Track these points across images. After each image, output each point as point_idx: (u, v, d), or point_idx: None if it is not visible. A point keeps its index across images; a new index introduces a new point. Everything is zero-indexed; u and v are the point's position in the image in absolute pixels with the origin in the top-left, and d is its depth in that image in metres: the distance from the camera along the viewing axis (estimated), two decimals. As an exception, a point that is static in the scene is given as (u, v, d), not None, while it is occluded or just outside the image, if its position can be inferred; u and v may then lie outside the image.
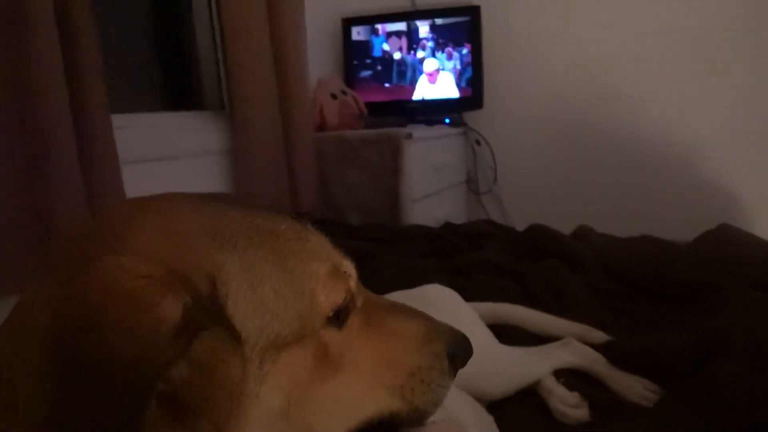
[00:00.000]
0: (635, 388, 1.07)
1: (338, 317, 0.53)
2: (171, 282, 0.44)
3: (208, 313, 0.45)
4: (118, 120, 1.57)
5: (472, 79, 2.90)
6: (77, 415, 0.39)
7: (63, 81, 1.33)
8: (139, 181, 1.70)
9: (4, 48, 1.25)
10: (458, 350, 0.60)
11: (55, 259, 0.50)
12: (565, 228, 1.84)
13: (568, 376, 1.12)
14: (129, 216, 0.50)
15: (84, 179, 1.39)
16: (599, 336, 1.21)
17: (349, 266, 0.56)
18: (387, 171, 2.33)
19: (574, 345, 1.17)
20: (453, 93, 2.93)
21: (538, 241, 1.73)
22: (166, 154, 1.88)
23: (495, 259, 1.65)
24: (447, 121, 2.95)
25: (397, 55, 2.98)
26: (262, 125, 2.10)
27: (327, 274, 0.52)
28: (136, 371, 0.39)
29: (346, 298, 0.53)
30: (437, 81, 2.94)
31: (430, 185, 2.57)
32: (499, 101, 3.03)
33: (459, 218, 2.63)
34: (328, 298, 0.51)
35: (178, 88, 2.45)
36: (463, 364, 0.61)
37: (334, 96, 2.69)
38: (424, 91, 2.96)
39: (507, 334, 1.20)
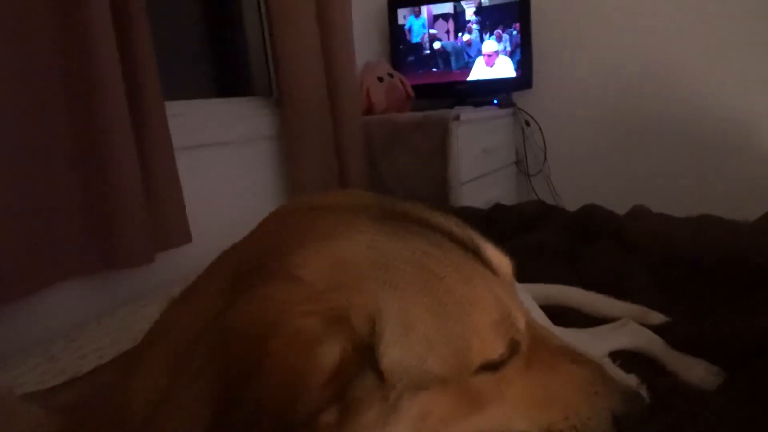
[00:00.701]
0: (696, 370, 1.03)
1: (492, 367, 0.50)
2: (334, 322, 0.43)
3: (363, 358, 0.45)
4: (170, 107, 1.61)
5: (522, 59, 2.84)
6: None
7: (119, 72, 1.37)
8: (192, 167, 1.74)
9: (63, 42, 1.29)
10: (627, 412, 0.54)
11: (224, 263, 0.53)
12: (619, 208, 1.79)
13: (625, 359, 1.09)
14: (307, 232, 0.50)
15: (141, 166, 1.43)
16: (658, 317, 1.17)
17: (518, 317, 0.52)
18: (435, 153, 2.31)
19: (631, 326, 1.14)
20: (510, 73, 2.87)
21: (592, 222, 1.69)
22: (217, 140, 1.92)
23: (548, 240, 1.63)
24: (495, 102, 2.91)
25: (441, 40, 2.94)
26: (309, 110, 2.11)
27: (487, 326, 0.49)
28: (291, 413, 0.40)
29: (504, 353, 0.51)
30: (495, 64, 2.89)
31: (479, 167, 2.54)
32: (548, 81, 2.97)
33: (509, 200, 2.59)
34: (483, 352, 0.49)
35: (227, 75, 2.48)
36: (629, 429, 0.54)
37: (380, 79, 2.68)
38: (480, 73, 2.92)
39: (561, 316, 1.18)
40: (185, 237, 1.59)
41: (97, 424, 0.50)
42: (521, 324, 0.52)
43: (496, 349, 0.50)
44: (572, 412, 0.53)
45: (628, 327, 1.14)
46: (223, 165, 1.94)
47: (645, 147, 2.89)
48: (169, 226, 1.53)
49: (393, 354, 0.46)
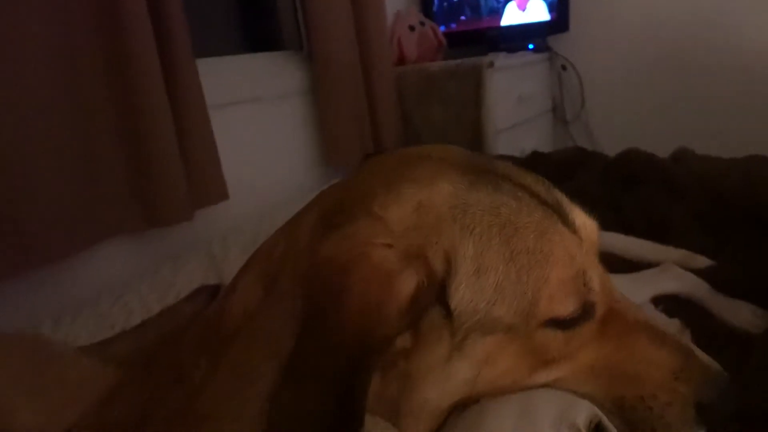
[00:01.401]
0: (742, 313, 1.01)
1: (562, 325, 0.51)
2: (411, 257, 0.47)
3: (436, 293, 0.48)
4: (201, 65, 1.60)
5: (557, 1, 2.74)
6: (315, 366, 0.43)
7: (150, 31, 1.36)
8: (226, 124, 1.74)
9: (95, 5, 1.29)
10: (714, 401, 0.51)
11: (318, 202, 0.57)
12: (662, 153, 1.73)
13: (668, 303, 1.07)
14: (394, 178, 0.53)
15: (175, 125, 1.44)
16: (702, 261, 1.15)
17: (593, 279, 0.52)
18: (469, 102, 2.27)
19: (674, 270, 1.11)
20: (544, 16, 2.78)
21: (633, 167, 1.65)
22: (248, 97, 1.91)
23: (587, 187, 1.59)
24: (531, 46, 2.82)
25: (475, -19, 2.85)
26: (340, 62, 2.08)
27: (559, 282, 0.50)
28: (370, 337, 0.43)
29: (575, 312, 0.51)
30: (527, 8, 2.79)
31: (514, 115, 2.49)
32: (585, 23, 2.86)
33: (546, 148, 2.54)
34: (552, 307, 0.50)
35: (257, 30, 2.46)
36: (716, 420, 0.52)
37: (412, 28, 2.62)
38: (512, 18, 2.82)
39: (603, 261, 1.16)
40: (222, 194, 1.60)
41: (191, 335, 0.55)
42: (596, 286, 0.52)
43: (566, 307, 0.50)
44: (649, 393, 0.52)
45: (671, 271, 1.12)
46: (256, 122, 1.94)
47: (688, 88, 2.77)
48: (206, 184, 1.55)
49: (464, 294, 0.49)
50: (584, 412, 0.47)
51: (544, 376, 0.52)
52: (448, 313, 0.49)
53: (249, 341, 0.49)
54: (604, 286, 0.53)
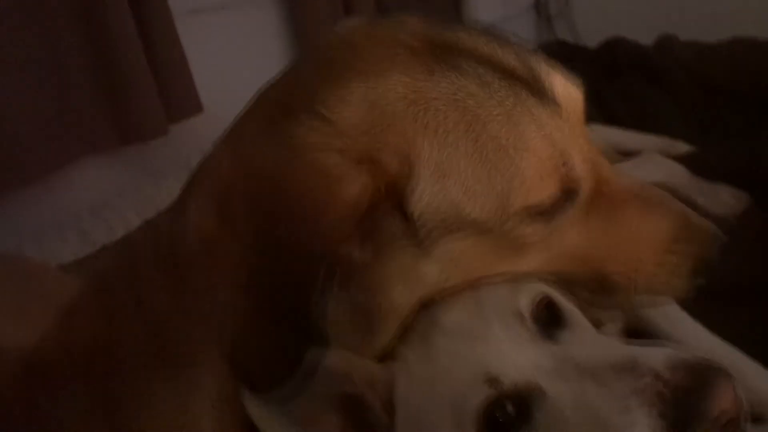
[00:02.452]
0: (720, 197, 1.02)
1: (541, 212, 0.47)
2: (363, 161, 0.43)
3: (393, 198, 0.45)
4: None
5: None
6: (270, 281, 0.42)
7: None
8: (194, 34, 1.67)
9: None
10: (711, 262, 0.51)
11: (258, 101, 0.52)
12: (648, 41, 1.69)
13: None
14: (342, 71, 0.47)
15: (140, 34, 1.38)
16: (682, 147, 1.14)
17: (575, 162, 0.47)
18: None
19: (655, 159, 1.11)
20: None
21: (616, 56, 1.61)
22: (219, 3, 1.83)
23: (569, 79, 1.56)
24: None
25: None
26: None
27: (535, 172, 0.46)
28: (323, 248, 0.41)
29: (553, 200, 0.47)
30: None
31: (492, 11, 2.41)
32: None
33: (528, 45, 2.47)
34: (528, 199, 0.46)
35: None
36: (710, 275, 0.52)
37: None
38: None
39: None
40: (196, 106, 1.56)
41: (146, 261, 0.52)
42: (577, 167, 0.48)
43: (541, 193, 0.46)
44: (633, 267, 0.50)
45: (652, 160, 1.12)
46: (228, 30, 1.86)
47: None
48: (178, 96, 1.50)
49: (428, 199, 0.45)
50: (530, 293, 0.46)
51: (522, 265, 0.49)
52: (409, 219, 0.45)
53: (206, 269, 0.47)
54: (589, 163, 0.49)
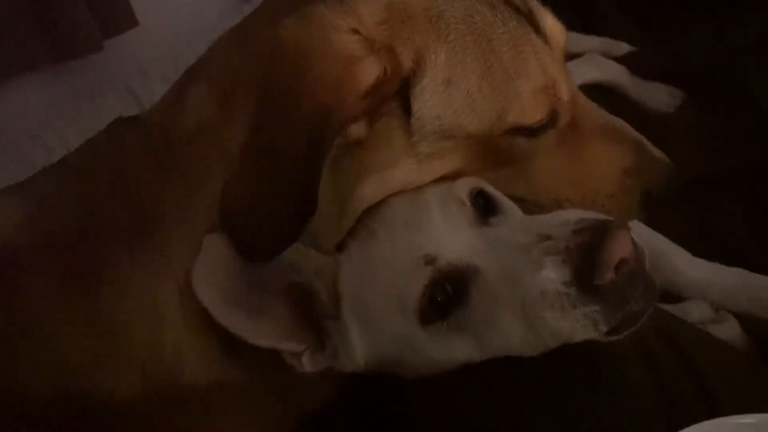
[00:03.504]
0: (658, 95, 1.05)
1: (527, 132, 0.51)
2: (379, 47, 0.46)
3: (399, 85, 0.47)
4: None
5: None
6: (271, 148, 0.45)
7: None
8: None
9: None
10: (661, 189, 0.56)
11: (272, 6, 0.53)
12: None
13: (590, 91, 1.09)
14: None
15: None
16: (623, 48, 1.16)
17: (562, 89, 0.52)
18: None
19: (596, 60, 1.13)
20: None
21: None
22: None
23: None
24: None
25: None
26: None
27: (529, 93, 0.50)
28: (328, 118, 0.44)
29: (542, 121, 0.51)
30: None
31: None
32: None
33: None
34: (520, 116, 0.50)
35: None
36: (659, 199, 0.56)
37: None
38: None
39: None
40: (130, 20, 1.49)
41: (134, 147, 0.53)
42: (564, 96, 0.52)
43: (534, 117, 0.51)
44: (593, 188, 0.54)
45: (593, 60, 1.13)
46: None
47: None
48: (111, 10, 1.42)
49: (430, 100, 0.48)
50: (466, 186, 0.50)
51: (490, 177, 0.53)
52: (408, 114, 0.49)
53: (200, 148, 0.49)
54: (571, 94, 0.54)
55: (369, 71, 0.45)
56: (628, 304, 0.41)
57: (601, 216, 0.45)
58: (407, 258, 0.46)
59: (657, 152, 0.57)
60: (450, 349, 0.46)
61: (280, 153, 0.45)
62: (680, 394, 0.45)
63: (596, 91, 1.09)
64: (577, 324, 0.41)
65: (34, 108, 1.41)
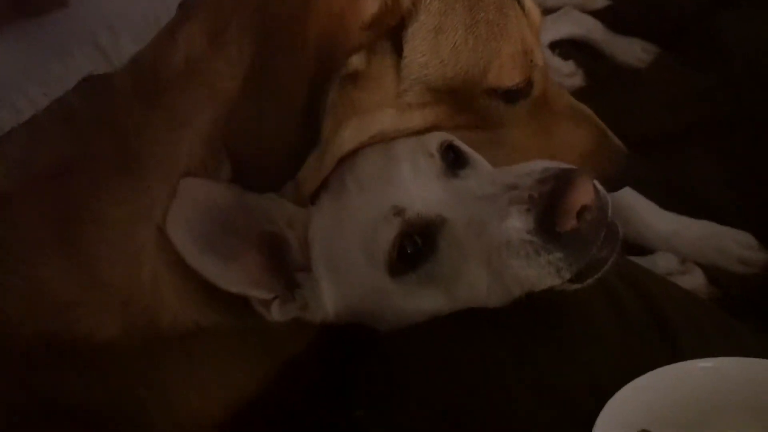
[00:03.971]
0: (632, 50, 1.06)
1: (504, 96, 0.53)
2: None
3: (397, 21, 0.49)
4: None
5: None
6: (276, 81, 0.46)
7: None
8: None
9: None
10: (618, 173, 0.57)
11: None
12: None
13: (565, 47, 1.10)
14: None
15: None
16: (599, 2, 1.15)
17: (537, 59, 0.54)
18: None
19: (572, 14, 1.12)
20: None
21: None
22: None
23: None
24: None
25: None
26: None
27: (510, 56, 0.52)
28: (333, 47, 0.45)
29: (518, 84, 0.53)
30: None
31: None
32: None
33: None
34: (500, 77, 0.52)
35: None
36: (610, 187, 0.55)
37: None
38: None
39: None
40: (97, -26, 1.44)
41: (122, 85, 0.53)
42: (538, 68, 0.55)
43: (512, 79, 0.53)
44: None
45: (570, 15, 1.13)
46: None
47: None
48: (74, -37, 1.38)
49: (419, 45, 0.50)
50: (436, 139, 0.51)
51: (464, 138, 0.54)
52: (399, 57, 0.50)
53: (187, 85, 0.49)
54: (544, 68, 0.56)
55: (372, 9, 0.46)
56: (591, 252, 0.42)
57: (565, 165, 0.46)
58: (376, 209, 0.46)
59: (616, 141, 0.59)
60: (419, 300, 0.47)
61: (286, 83, 0.46)
62: (645, 339, 0.46)
63: (571, 46, 1.11)
64: (542, 271, 0.42)
65: (1, 67, 1.37)
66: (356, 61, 0.48)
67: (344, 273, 0.48)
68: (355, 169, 0.50)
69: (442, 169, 0.48)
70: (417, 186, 0.47)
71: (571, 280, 0.43)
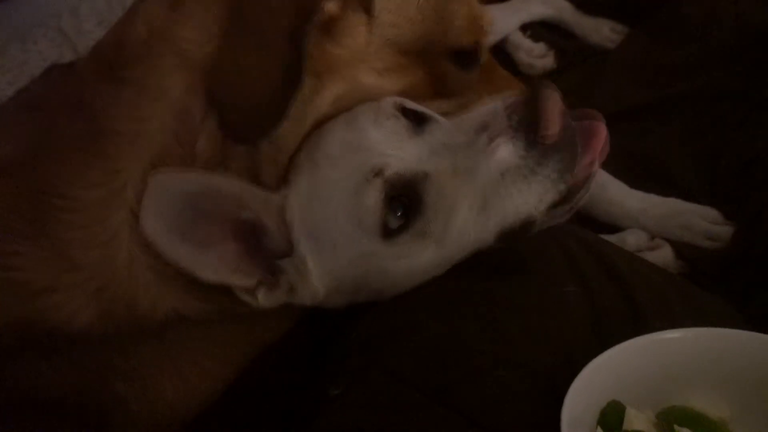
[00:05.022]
0: (602, 30, 1.07)
1: (461, 61, 0.56)
2: None
3: None
4: None
5: None
6: (255, 21, 0.47)
7: None
8: None
9: None
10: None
11: None
12: None
13: (536, 28, 1.11)
14: None
15: None
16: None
17: (487, 24, 0.58)
18: None
19: (542, -5, 1.13)
20: None
21: None
22: None
23: None
24: None
25: None
26: None
27: (466, 17, 0.55)
28: None
29: (473, 46, 0.56)
30: None
31: None
32: None
33: None
34: (459, 37, 0.55)
35: None
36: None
37: None
38: None
39: None
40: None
41: (87, 68, 0.52)
42: (487, 35, 0.58)
43: (467, 40, 0.56)
44: None
45: (539, -3, 1.13)
46: None
47: None
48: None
49: (387, 3, 0.52)
50: (390, 102, 0.52)
51: (431, 106, 0.55)
52: (371, 17, 0.51)
53: (154, 55, 0.48)
54: (488, 35, 0.60)
55: None
56: (577, 153, 0.46)
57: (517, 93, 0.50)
58: (354, 177, 0.47)
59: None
60: (410, 259, 0.49)
61: (265, 29, 0.47)
62: (609, 307, 0.47)
63: (542, 28, 1.11)
64: (542, 187, 0.46)
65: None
66: (331, 6, 0.48)
67: (330, 248, 0.49)
68: (322, 145, 0.50)
69: (409, 127, 0.50)
70: (390, 147, 0.48)
71: (561, 203, 0.47)
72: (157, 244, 0.46)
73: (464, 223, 0.47)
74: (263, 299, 0.48)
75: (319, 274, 0.49)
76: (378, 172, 0.47)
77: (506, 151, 0.46)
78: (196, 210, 0.46)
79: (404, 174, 0.47)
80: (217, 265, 0.47)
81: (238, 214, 0.48)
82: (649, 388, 0.41)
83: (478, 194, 0.47)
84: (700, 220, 0.70)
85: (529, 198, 0.46)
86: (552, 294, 0.47)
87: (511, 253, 0.49)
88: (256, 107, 0.47)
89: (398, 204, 0.47)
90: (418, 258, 0.48)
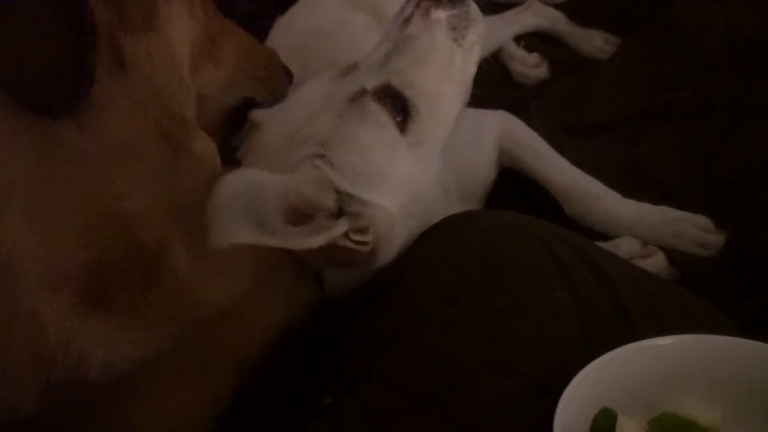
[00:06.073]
0: (594, 41, 1.07)
1: None
2: None
3: None
4: None
5: None
6: None
7: None
8: None
9: None
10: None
11: None
12: None
13: (529, 39, 1.11)
14: None
15: None
16: (562, -6, 1.17)
17: None
18: None
19: (536, 6, 1.14)
20: None
21: None
22: None
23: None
24: None
25: None
26: None
27: None
28: None
29: None
30: None
31: None
32: None
33: None
34: None
35: None
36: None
37: None
38: None
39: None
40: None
41: None
42: None
43: None
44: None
45: (533, 7, 1.14)
46: None
47: None
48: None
49: None
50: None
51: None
52: None
53: None
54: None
55: None
56: None
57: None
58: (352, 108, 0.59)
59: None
60: (424, 163, 0.61)
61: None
62: (596, 310, 0.47)
63: (536, 38, 1.12)
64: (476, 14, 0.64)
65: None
66: None
67: (377, 174, 0.57)
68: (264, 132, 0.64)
69: (336, 75, 0.63)
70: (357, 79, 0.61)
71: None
72: (263, 241, 0.47)
73: (444, 95, 0.61)
74: (370, 237, 0.54)
75: (385, 201, 0.56)
76: (362, 92, 0.58)
77: (438, 31, 0.59)
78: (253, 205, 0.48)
79: (377, 86, 0.58)
80: (308, 231, 0.50)
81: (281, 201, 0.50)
82: (641, 395, 0.41)
83: (443, 68, 0.61)
84: (693, 228, 0.70)
85: (471, 37, 0.62)
86: (544, 300, 0.47)
87: (504, 259, 0.49)
88: (47, 77, 0.42)
89: (391, 106, 0.58)
90: (428, 161, 0.61)
